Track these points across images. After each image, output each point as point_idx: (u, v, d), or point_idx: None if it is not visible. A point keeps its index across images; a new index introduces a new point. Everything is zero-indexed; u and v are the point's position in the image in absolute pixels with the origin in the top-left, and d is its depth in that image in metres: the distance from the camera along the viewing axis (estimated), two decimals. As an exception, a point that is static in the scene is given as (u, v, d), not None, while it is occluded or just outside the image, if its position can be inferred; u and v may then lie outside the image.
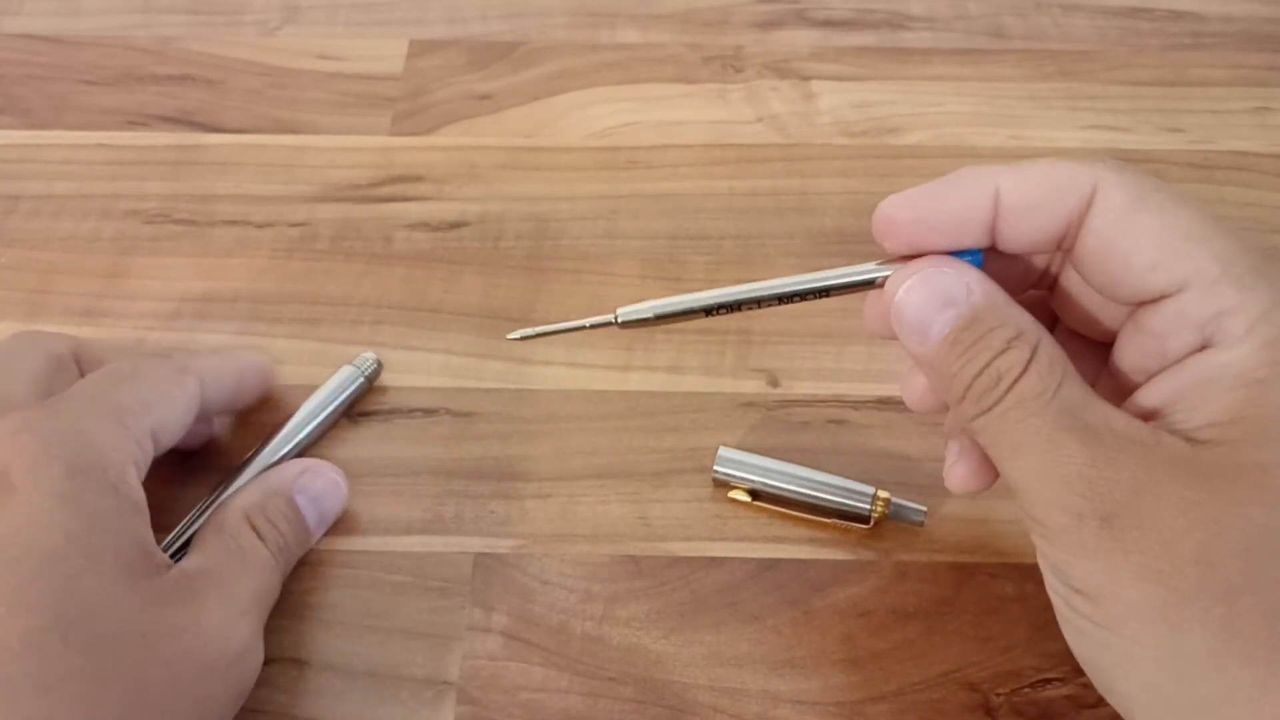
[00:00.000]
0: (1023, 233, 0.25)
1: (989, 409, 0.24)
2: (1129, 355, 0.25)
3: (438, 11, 0.46)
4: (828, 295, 0.27)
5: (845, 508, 0.32)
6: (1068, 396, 0.23)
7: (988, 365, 0.24)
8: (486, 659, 0.30)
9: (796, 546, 0.32)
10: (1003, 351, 0.24)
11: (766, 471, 0.32)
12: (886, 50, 0.45)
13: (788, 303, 0.28)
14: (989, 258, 0.26)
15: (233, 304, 0.37)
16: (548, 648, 0.30)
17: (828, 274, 0.27)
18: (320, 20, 0.46)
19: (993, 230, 0.25)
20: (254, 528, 0.30)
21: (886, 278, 0.26)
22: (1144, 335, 0.25)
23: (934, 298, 0.24)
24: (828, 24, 0.46)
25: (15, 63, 0.44)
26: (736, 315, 0.36)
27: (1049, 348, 0.24)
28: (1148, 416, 0.24)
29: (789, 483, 0.32)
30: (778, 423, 0.34)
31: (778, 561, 0.32)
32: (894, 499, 0.32)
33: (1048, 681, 0.29)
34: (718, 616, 0.31)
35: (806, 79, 0.44)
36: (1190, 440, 0.23)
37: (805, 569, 0.31)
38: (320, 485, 0.32)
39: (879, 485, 0.32)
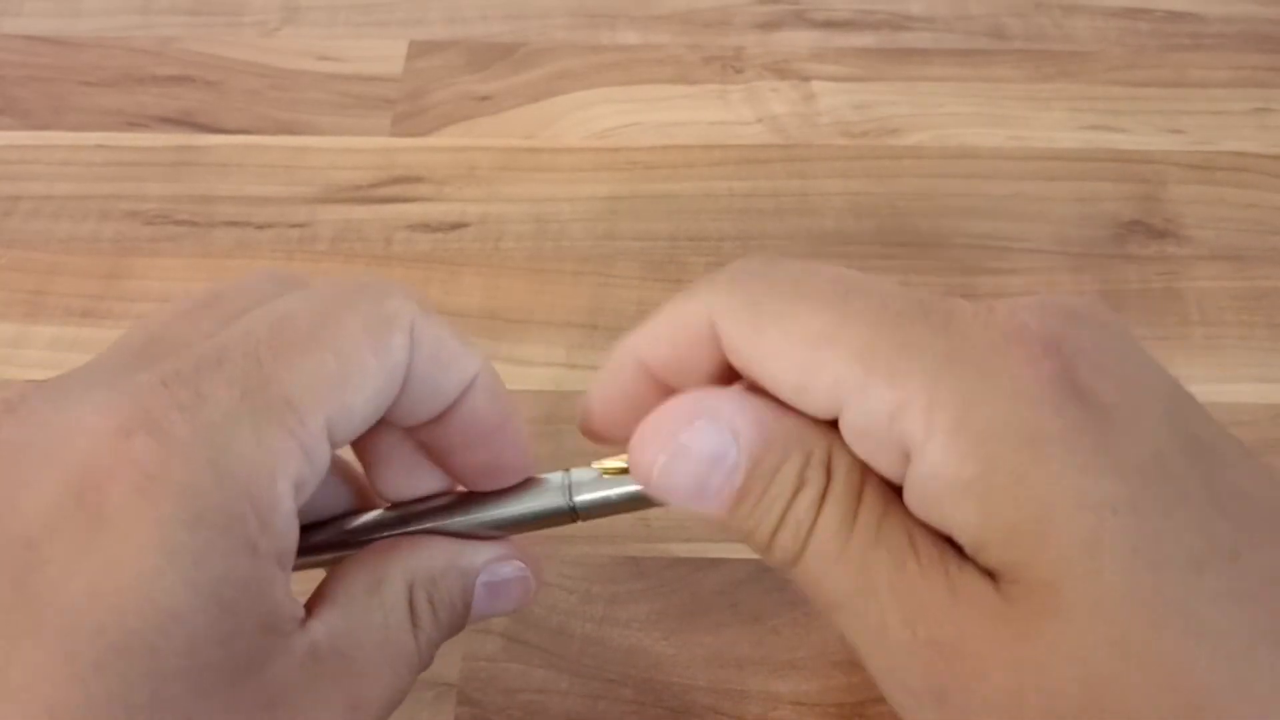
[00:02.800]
0: (696, 378, 0.21)
1: (796, 560, 0.20)
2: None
3: (438, 12, 0.46)
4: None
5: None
6: (866, 525, 0.19)
7: (783, 517, 0.20)
8: (486, 660, 0.30)
9: (797, 547, 0.32)
10: (796, 493, 0.19)
11: None
12: (887, 51, 0.45)
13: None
14: None
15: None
16: (548, 649, 0.30)
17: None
18: (320, 21, 0.46)
19: (665, 390, 0.21)
20: (411, 607, 0.22)
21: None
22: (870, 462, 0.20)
23: (697, 466, 0.20)
24: (828, 25, 0.46)
25: (15, 63, 0.44)
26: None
27: (843, 466, 0.20)
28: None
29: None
30: (778, 423, 0.34)
31: (778, 562, 0.32)
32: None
33: (1048, 682, 0.29)
34: (718, 618, 0.31)
35: (807, 80, 0.44)
36: (975, 567, 0.19)
37: (806, 570, 0.31)
38: (509, 578, 0.24)
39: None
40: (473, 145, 0.42)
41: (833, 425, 0.20)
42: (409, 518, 0.23)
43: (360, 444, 0.23)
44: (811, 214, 0.40)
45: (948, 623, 0.18)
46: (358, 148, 0.41)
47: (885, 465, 0.19)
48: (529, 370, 0.36)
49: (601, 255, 0.38)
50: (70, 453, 0.18)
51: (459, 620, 0.23)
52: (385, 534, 0.23)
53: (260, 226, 0.39)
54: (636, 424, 0.21)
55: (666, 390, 0.21)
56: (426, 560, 0.23)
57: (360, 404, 0.20)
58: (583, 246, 0.39)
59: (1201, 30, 0.45)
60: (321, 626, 0.20)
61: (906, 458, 0.19)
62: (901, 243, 0.39)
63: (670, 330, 0.21)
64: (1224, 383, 0.35)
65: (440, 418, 0.22)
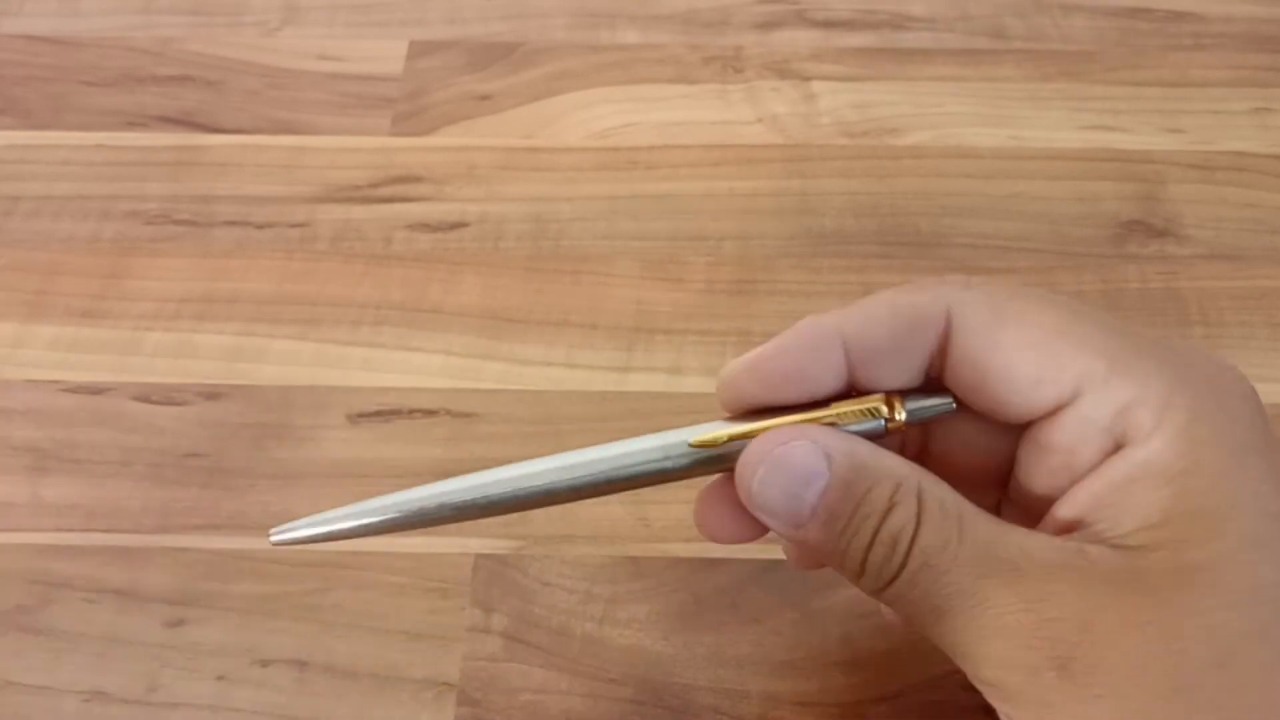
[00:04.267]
0: (882, 376, 0.23)
1: (893, 578, 0.21)
2: (1036, 477, 0.23)
3: (438, 12, 0.46)
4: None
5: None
6: (975, 538, 0.21)
7: (877, 534, 0.21)
8: (487, 660, 0.30)
9: (797, 547, 0.32)
10: (888, 513, 0.21)
11: None
12: (887, 51, 0.44)
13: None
14: None
15: (233, 305, 0.37)
16: (548, 649, 0.30)
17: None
18: (320, 21, 0.46)
19: (849, 379, 0.23)
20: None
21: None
22: (1048, 453, 0.22)
23: (793, 478, 0.22)
24: (828, 24, 0.46)
25: (15, 63, 0.44)
26: (738, 314, 0.37)
27: (934, 489, 0.22)
28: (1065, 530, 0.22)
29: None
30: (778, 423, 0.34)
31: (778, 563, 0.32)
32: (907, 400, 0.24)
33: (1048, 682, 0.29)
34: (718, 618, 0.31)
35: (807, 79, 0.44)
36: (1120, 548, 0.21)
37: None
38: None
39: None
40: (473, 145, 0.42)
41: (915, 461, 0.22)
42: None
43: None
44: (811, 214, 0.40)
45: (1079, 600, 0.20)
46: (357, 147, 0.41)
47: (1079, 454, 0.22)
48: (529, 370, 0.36)
49: (601, 255, 0.38)
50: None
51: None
52: None
53: (260, 226, 0.39)
54: (786, 398, 0.23)
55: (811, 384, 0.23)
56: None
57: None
58: (583, 246, 0.39)
59: (1201, 30, 0.45)
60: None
61: (1114, 446, 0.21)
62: (901, 243, 0.39)
63: (891, 314, 0.23)
64: (1224, 383, 0.35)
65: None
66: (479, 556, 0.32)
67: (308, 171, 0.41)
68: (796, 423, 0.23)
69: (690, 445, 0.23)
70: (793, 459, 0.22)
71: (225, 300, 0.37)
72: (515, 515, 0.32)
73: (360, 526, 0.24)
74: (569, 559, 0.32)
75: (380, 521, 0.24)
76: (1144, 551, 0.20)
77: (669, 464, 0.23)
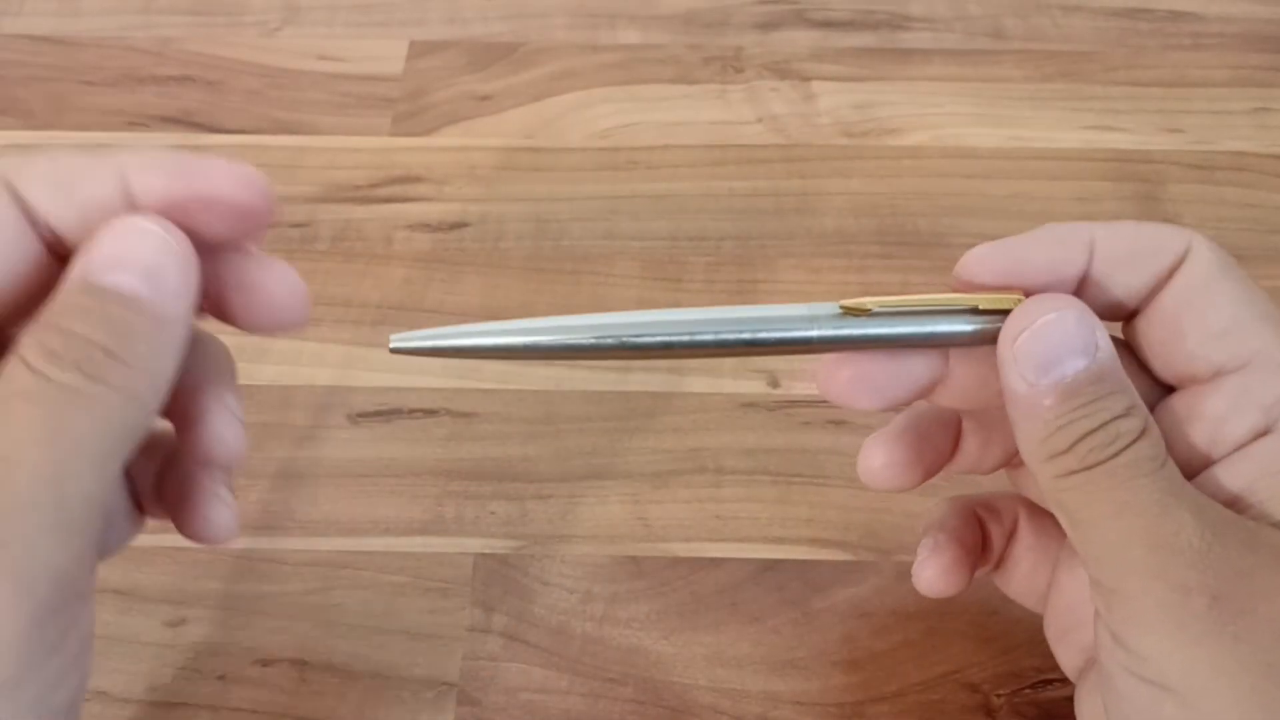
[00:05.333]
0: (1109, 289, 0.24)
1: (1095, 465, 0.22)
2: (1177, 445, 0.24)
3: (438, 12, 0.46)
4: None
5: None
6: (1173, 471, 0.22)
7: (1105, 425, 0.22)
8: (487, 660, 0.30)
9: (797, 547, 0.32)
10: (1121, 416, 0.22)
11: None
12: (887, 51, 0.45)
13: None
14: None
15: (233, 305, 0.37)
16: (548, 648, 0.30)
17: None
18: (320, 21, 0.46)
19: (1078, 286, 0.24)
20: (24, 361, 0.20)
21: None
22: (1195, 421, 0.24)
23: (1064, 341, 0.22)
24: (828, 24, 0.46)
25: (15, 63, 0.44)
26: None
27: (1155, 426, 0.23)
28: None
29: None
30: (778, 423, 0.34)
31: (778, 562, 0.32)
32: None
33: (1049, 682, 0.29)
34: (718, 617, 0.31)
35: (807, 79, 0.44)
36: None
37: (806, 569, 0.31)
38: (117, 245, 0.21)
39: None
40: (473, 145, 0.42)
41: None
42: None
43: None
44: (811, 214, 0.40)
45: (1247, 552, 0.21)
46: (358, 147, 0.41)
47: (1228, 426, 0.23)
48: (529, 370, 0.36)
49: (601, 255, 0.38)
50: None
51: (114, 315, 0.20)
52: None
53: (260, 226, 0.39)
54: (1026, 283, 0.23)
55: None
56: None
57: None
58: (583, 246, 0.39)
59: (1201, 30, 0.45)
60: None
61: (1265, 429, 0.23)
62: (901, 243, 0.39)
63: (1139, 233, 0.24)
64: (1224, 382, 0.35)
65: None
66: (479, 556, 0.32)
67: (308, 171, 0.41)
68: (935, 303, 0.24)
69: (841, 307, 0.23)
70: (1071, 326, 0.23)
71: (225, 300, 0.37)
72: (516, 514, 0.33)
73: (492, 346, 0.23)
74: (569, 559, 0.32)
75: (515, 344, 0.22)
76: None
77: (814, 330, 0.23)
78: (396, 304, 0.37)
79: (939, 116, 0.42)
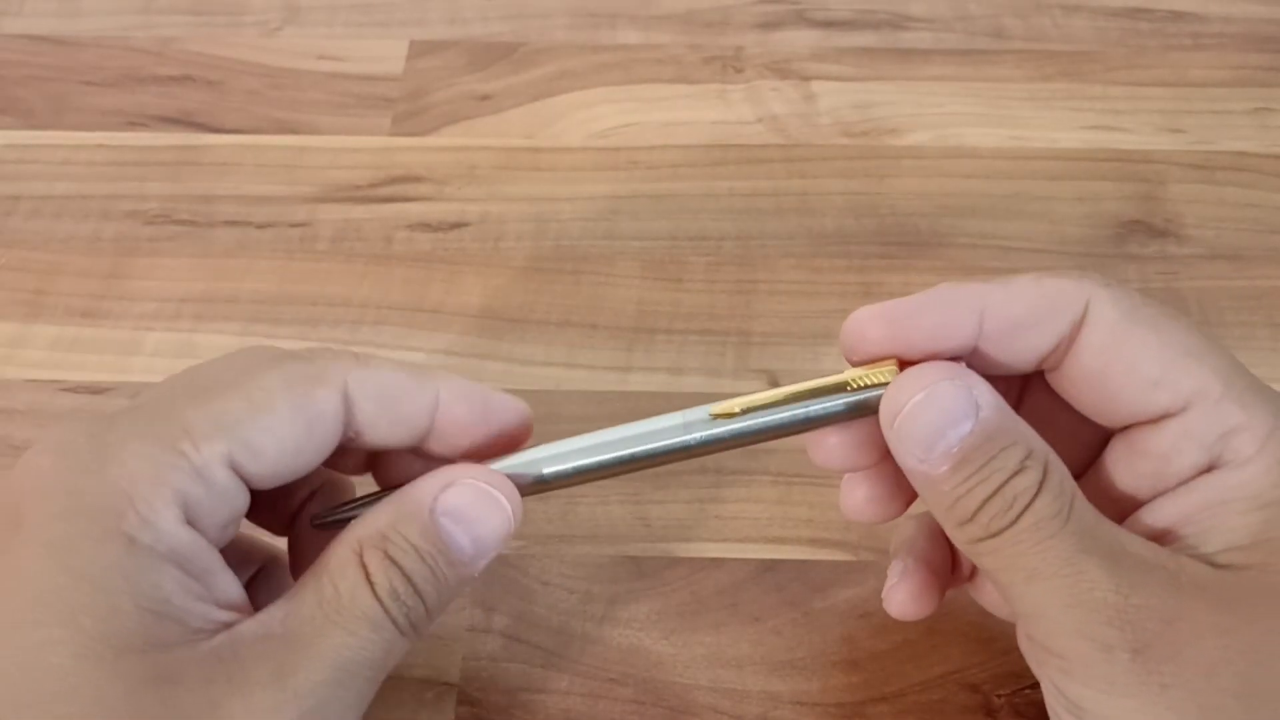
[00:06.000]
0: (1009, 352, 0.24)
1: (1000, 532, 0.22)
2: (1122, 478, 0.24)
3: (438, 12, 0.46)
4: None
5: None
6: (1081, 518, 0.22)
7: (1001, 488, 0.22)
8: (487, 660, 0.30)
9: (796, 547, 0.32)
10: (1016, 473, 0.22)
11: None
12: (887, 51, 0.45)
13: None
14: None
15: (233, 305, 0.37)
16: (548, 649, 0.30)
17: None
18: (320, 21, 0.46)
19: (971, 350, 0.24)
20: (363, 566, 0.22)
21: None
22: (1141, 457, 0.24)
23: (942, 413, 0.22)
24: (828, 24, 0.46)
25: (15, 63, 0.44)
26: (738, 314, 0.37)
27: (1058, 466, 0.23)
28: (1150, 538, 0.23)
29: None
30: (778, 423, 0.34)
31: (778, 562, 0.32)
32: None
33: (1048, 682, 0.29)
34: (718, 617, 0.31)
35: (807, 79, 0.44)
36: (1210, 564, 0.22)
37: (805, 570, 0.31)
38: (468, 500, 0.24)
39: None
40: (473, 145, 0.42)
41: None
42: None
43: (382, 477, 0.27)
44: (811, 214, 0.39)
45: (1168, 596, 0.21)
46: (358, 147, 0.41)
47: (1173, 464, 0.23)
48: (529, 370, 0.36)
49: (601, 255, 0.38)
50: (6, 487, 0.22)
51: (440, 566, 0.23)
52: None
53: (260, 226, 0.39)
54: (910, 351, 0.24)
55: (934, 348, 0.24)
56: (370, 519, 0.23)
57: (269, 444, 0.23)
58: (583, 246, 0.39)
59: (1201, 30, 0.45)
60: (253, 622, 0.22)
61: (1209, 465, 0.23)
62: (901, 243, 0.39)
63: (1037, 293, 0.24)
64: (1224, 383, 0.35)
65: (442, 434, 0.25)
66: (479, 556, 0.32)
67: (308, 171, 0.41)
68: (805, 390, 0.24)
69: (710, 415, 0.24)
70: (946, 396, 0.22)
71: (225, 300, 0.37)
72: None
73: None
74: (569, 559, 0.32)
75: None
76: (1232, 570, 0.22)
77: (690, 437, 0.24)
78: (396, 304, 0.37)
79: (939, 116, 0.42)
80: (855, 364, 0.24)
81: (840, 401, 0.24)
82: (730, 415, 0.24)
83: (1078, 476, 0.26)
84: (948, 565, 0.27)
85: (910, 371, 0.23)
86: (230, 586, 0.23)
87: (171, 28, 0.46)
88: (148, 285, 0.38)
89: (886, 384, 0.24)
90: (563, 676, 0.30)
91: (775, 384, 0.35)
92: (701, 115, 0.42)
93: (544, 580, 0.31)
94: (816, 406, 0.24)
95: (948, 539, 0.28)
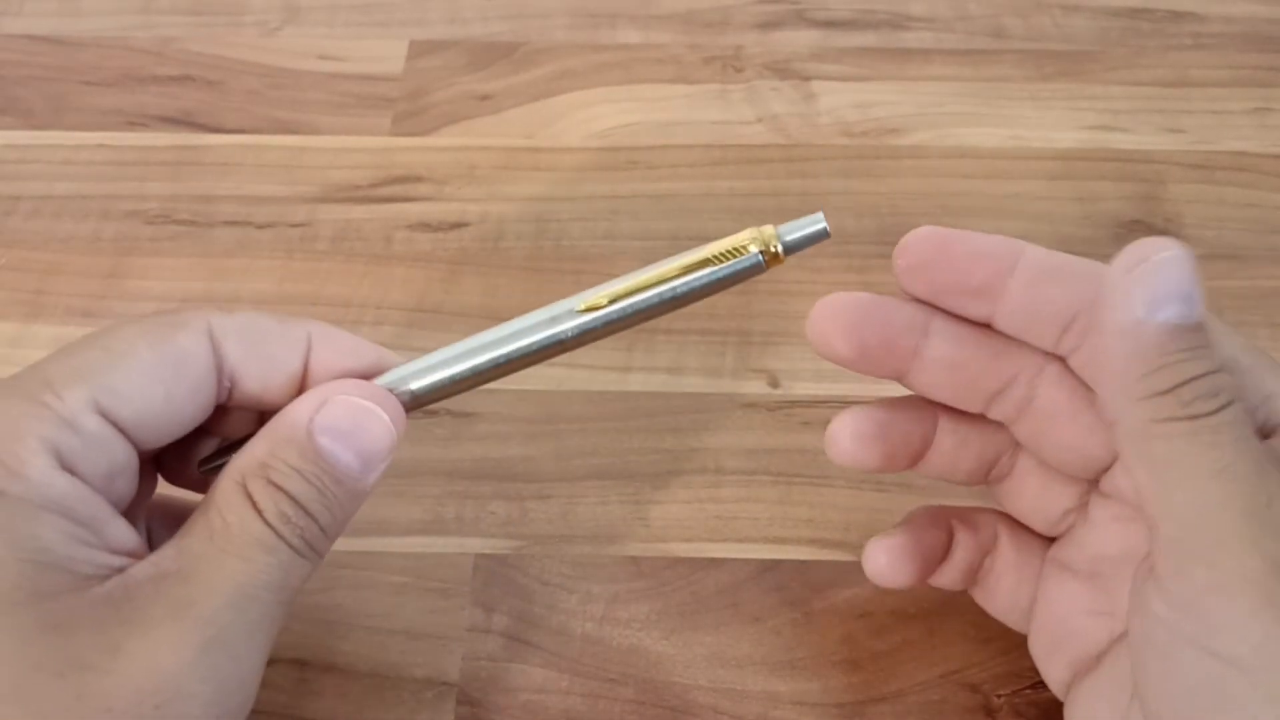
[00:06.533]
0: (1038, 304, 0.24)
1: (1200, 416, 0.21)
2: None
3: (438, 12, 0.46)
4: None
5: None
6: (1268, 443, 0.22)
7: (1209, 374, 0.21)
8: (487, 660, 0.30)
9: (797, 547, 0.32)
10: (1217, 371, 0.21)
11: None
12: (887, 51, 0.44)
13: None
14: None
15: (233, 305, 0.37)
16: (548, 648, 0.30)
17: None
18: (320, 21, 0.46)
19: (1001, 294, 0.24)
20: (248, 496, 0.22)
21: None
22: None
23: (1184, 284, 0.21)
24: (828, 24, 0.46)
25: (15, 63, 0.44)
26: (737, 315, 0.37)
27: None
28: None
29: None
30: (778, 423, 0.34)
31: (778, 562, 0.32)
32: (779, 231, 0.26)
33: (1048, 682, 0.29)
34: (718, 617, 0.31)
35: (807, 79, 0.44)
36: None
37: (806, 570, 0.31)
38: (345, 415, 0.23)
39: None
40: (473, 145, 0.42)
41: None
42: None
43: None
44: (811, 213, 0.39)
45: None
46: (358, 147, 0.41)
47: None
48: (529, 370, 0.35)
49: (601, 255, 0.38)
50: None
51: (327, 485, 0.23)
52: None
53: (260, 226, 0.39)
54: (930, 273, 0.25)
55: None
56: (249, 450, 0.23)
57: (132, 387, 0.23)
58: (583, 246, 0.39)
59: (1201, 30, 0.45)
60: (145, 564, 0.22)
61: (1259, 430, 0.22)
62: (901, 242, 0.39)
63: (1065, 258, 0.24)
64: (1224, 383, 0.35)
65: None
66: (479, 556, 0.32)
67: (308, 171, 0.41)
68: (671, 271, 0.24)
69: (579, 310, 0.25)
70: (1187, 271, 0.22)
71: (226, 300, 0.37)
72: (516, 514, 0.33)
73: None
74: (569, 559, 0.32)
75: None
76: None
77: (563, 328, 0.25)
78: (396, 304, 0.37)
79: (939, 116, 0.42)
80: (905, 280, 0.25)
81: (707, 275, 0.24)
82: (598, 307, 0.24)
83: (1100, 473, 0.26)
84: (938, 548, 0.27)
85: (1150, 239, 0.22)
86: (123, 533, 0.22)
87: (171, 28, 0.46)
88: (148, 285, 0.38)
89: (749, 252, 0.24)
90: (563, 676, 0.30)
91: (776, 384, 0.35)
92: (701, 115, 0.42)
93: (544, 580, 0.31)
94: (682, 284, 0.24)
95: (949, 528, 0.28)
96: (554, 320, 0.25)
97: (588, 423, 0.34)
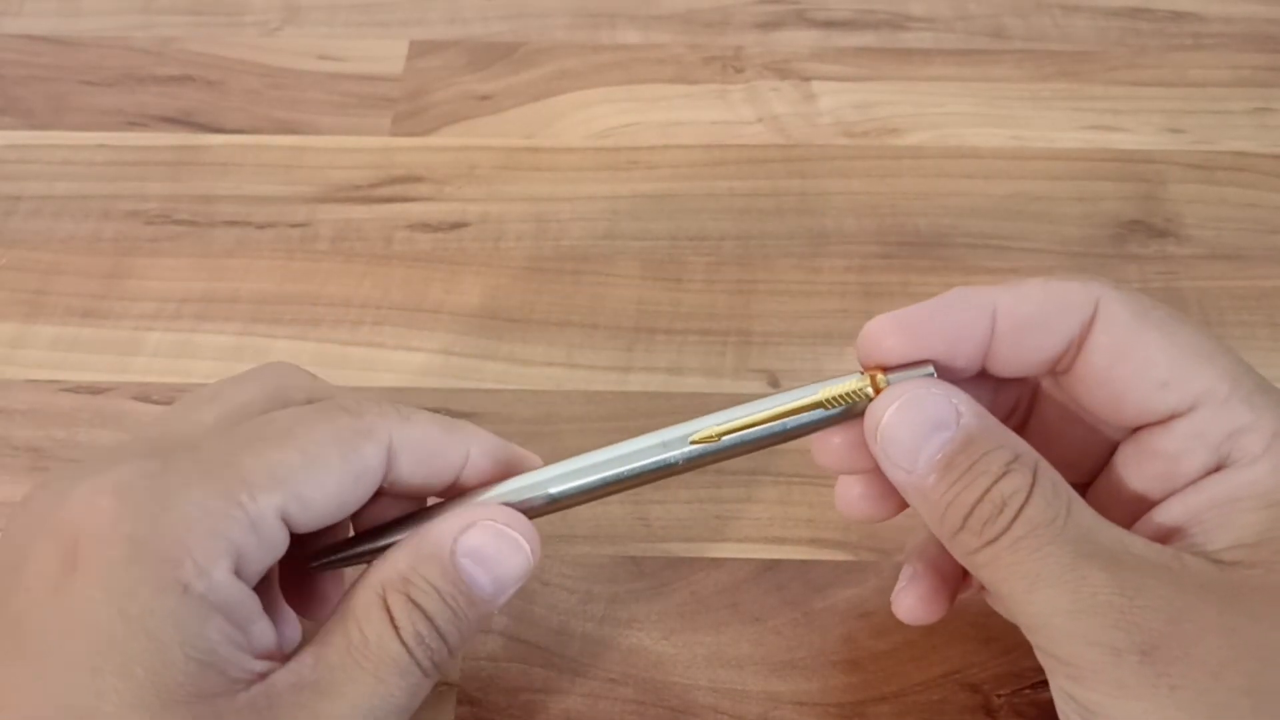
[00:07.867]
0: (1021, 353, 0.24)
1: (994, 539, 0.22)
2: (1134, 479, 0.24)
3: (438, 12, 0.46)
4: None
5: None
6: (1079, 521, 0.22)
7: (987, 491, 0.22)
8: (487, 660, 0.30)
9: (797, 547, 0.32)
10: (1002, 476, 0.22)
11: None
12: (887, 51, 0.44)
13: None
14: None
15: (233, 305, 0.37)
16: (548, 649, 0.30)
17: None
18: (320, 21, 0.46)
19: (986, 354, 0.24)
20: (387, 610, 0.23)
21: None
22: (1150, 458, 0.24)
23: (923, 421, 0.23)
24: (828, 24, 0.46)
25: (15, 63, 0.44)
26: (738, 314, 0.37)
27: (1048, 470, 0.23)
28: (1158, 537, 0.23)
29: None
30: (778, 423, 0.34)
31: (778, 562, 0.32)
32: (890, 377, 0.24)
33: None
34: (718, 617, 0.31)
35: (807, 79, 0.44)
36: (1215, 562, 0.22)
37: (806, 570, 0.31)
38: (489, 541, 0.24)
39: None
40: (473, 145, 0.42)
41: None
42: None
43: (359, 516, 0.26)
44: (811, 214, 0.39)
45: (1173, 596, 0.21)
46: (358, 147, 0.41)
47: (1182, 464, 0.23)
48: (529, 370, 0.36)
49: (601, 255, 0.38)
50: (61, 521, 0.22)
51: (461, 607, 0.24)
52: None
53: (260, 226, 0.39)
54: (923, 353, 0.24)
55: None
56: (391, 561, 0.24)
57: (319, 496, 0.23)
58: (583, 246, 0.39)
59: (1202, 30, 0.45)
60: (286, 672, 0.22)
61: (1217, 465, 0.23)
62: (901, 243, 0.39)
63: (1045, 294, 0.24)
64: (1224, 383, 0.35)
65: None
66: (479, 556, 0.32)
67: (308, 171, 0.41)
68: (782, 411, 0.25)
69: (690, 441, 0.25)
70: (925, 404, 0.23)
71: (225, 300, 0.37)
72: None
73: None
74: (569, 559, 0.32)
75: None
76: (1237, 567, 0.22)
77: (671, 457, 0.25)
78: (397, 304, 0.37)
79: (939, 116, 0.42)
80: (868, 369, 0.25)
81: (816, 416, 0.25)
82: (711, 439, 0.25)
83: (1090, 482, 0.26)
84: (958, 571, 0.27)
85: (890, 389, 0.24)
86: (266, 634, 0.23)
87: (171, 28, 0.46)
88: (148, 285, 0.38)
89: (859, 393, 0.24)
90: (563, 676, 0.30)
91: (776, 384, 0.35)
92: (701, 115, 0.42)
93: (544, 580, 0.31)
94: (793, 422, 0.25)
95: None
96: (665, 446, 0.25)
97: (587, 423, 0.34)
